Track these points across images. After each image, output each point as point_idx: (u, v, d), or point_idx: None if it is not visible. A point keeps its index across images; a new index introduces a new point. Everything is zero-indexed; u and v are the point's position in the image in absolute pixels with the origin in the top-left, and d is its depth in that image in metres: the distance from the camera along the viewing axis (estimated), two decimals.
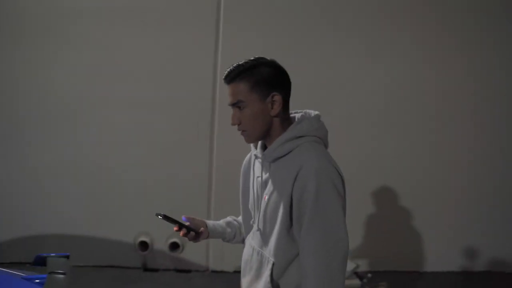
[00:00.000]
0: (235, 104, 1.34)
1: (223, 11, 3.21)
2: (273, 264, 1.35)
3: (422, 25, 3.41)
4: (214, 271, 3.40)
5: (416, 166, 3.51)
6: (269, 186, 1.36)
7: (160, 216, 1.38)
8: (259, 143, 1.45)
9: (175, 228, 1.42)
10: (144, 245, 3.31)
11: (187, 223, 1.44)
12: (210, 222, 1.55)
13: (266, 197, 1.37)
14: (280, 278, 1.36)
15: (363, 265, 3.48)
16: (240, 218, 1.62)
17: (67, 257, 1.59)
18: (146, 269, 3.39)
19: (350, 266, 3.33)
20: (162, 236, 3.29)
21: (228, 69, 1.35)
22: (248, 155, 1.55)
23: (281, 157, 1.34)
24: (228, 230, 1.57)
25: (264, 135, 1.37)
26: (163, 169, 3.31)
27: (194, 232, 1.44)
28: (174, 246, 3.32)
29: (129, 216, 3.26)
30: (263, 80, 1.33)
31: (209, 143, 3.31)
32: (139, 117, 3.26)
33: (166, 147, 3.29)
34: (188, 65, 3.24)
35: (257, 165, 1.45)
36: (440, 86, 3.49)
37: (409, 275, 3.49)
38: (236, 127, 1.37)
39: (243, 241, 1.58)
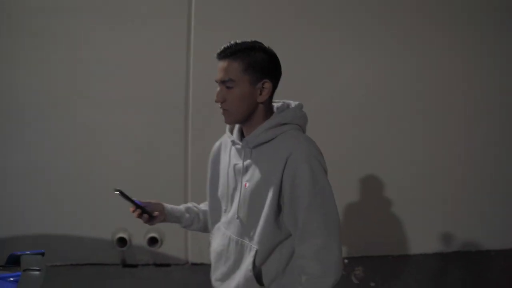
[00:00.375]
0: (225, 82, 1.32)
1: (194, 6, 3.21)
2: (256, 252, 1.34)
3: (407, 19, 3.48)
4: (194, 264, 3.42)
5: (391, 154, 3.60)
6: (251, 173, 1.34)
7: (117, 191, 1.38)
8: (236, 129, 1.44)
9: (131, 209, 1.43)
10: (122, 241, 3.30)
11: (142, 205, 1.44)
12: (168, 206, 1.54)
13: (247, 184, 1.35)
14: (262, 265, 1.36)
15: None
16: (202, 206, 1.61)
17: (42, 254, 1.59)
18: (125, 265, 3.38)
19: None
20: (140, 231, 3.29)
21: (225, 45, 1.33)
22: (218, 143, 1.53)
23: (264, 143, 1.34)
24: (187, 215, 1.56)
25: (244, 119, 1.36)
26: (139, 165, 3.30)
27: (148, 214, 1.44)
28: (153, 241, 3.32)
29: (106, 213, 3.24)
30: (258, 65, 1.32)
31: (184, 139, 3.32)
32: (112, 114, 3.23)
33: (140, 143, 3.28)
34: (160, 61, 3.22)
35: (234, 152, 1.42)
36: (426, 78, 3.56)
37: (384, 259, 3.60)
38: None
39: (204, 230, 1.59)
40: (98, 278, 3.18)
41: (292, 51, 3.29)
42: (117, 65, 3.21)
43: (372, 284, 3.13)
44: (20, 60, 3.13)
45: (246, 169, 1.36)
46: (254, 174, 1.33)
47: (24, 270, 1.47)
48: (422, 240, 3.68)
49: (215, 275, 1.48)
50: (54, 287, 2.72)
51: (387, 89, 3.55)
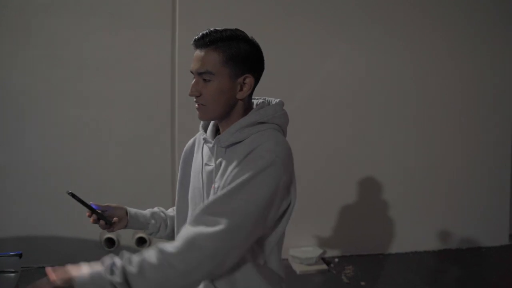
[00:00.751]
0: (201, 74, 1.17)
1: (179, 2, 3.18)
2: None
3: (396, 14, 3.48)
4: None
5: (379, 153, 3.60)
6: (220, 175, 1.19)
7: (69, 193, 1.28)
8: (210, 126, 1.30)
9: (87, 214, 1.31)
10: (110, 242, 3.27)
11: (98, 210, 1.32)
12: (132, 211, 1.40)
13: (216, 185, 1.19)
14: (223, 274, 1.16)
15: (330, 251, 3.56)
16: (170, 211, 1.46)
17: (20, 255, 1.56)
18: None
19: (317, 252, 3.40)
20: (128, 232, 3.26)
21: (203, 32, 1.18)
22: (191, 140, 1.40)
23: (237, 143, 1.19)
24: (152, 221, 1.41)
25: (221, 116, 1.21)
26: (125, 164, 3.27)
27: (105, 220, 1.31)
28: (141, 241, 3.30)
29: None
30: (240, 57, 1.16)
31: (170, 136, 3.29)
32: (97, 112, 3.21)
33: (126, 142, 3.25)
34: (146, 58, 3.20)
35: (206, 151, 1.28)
36: (417, 72, 3.57)
37: (374, 257, 3.59)
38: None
39: (172, 238, 1.40)
40: None
41: (282, 46, 3.29)
42: (101, 63, 3.17)
43: (363, 283, 3.12)
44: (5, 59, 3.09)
45: (217, 169, 1.21)
46: (223, 176, 1.16)
47: (0, 272, 1.45)
48: (413, 238, 3.69)
49: None
50: None
51: (385, 86, 3.55)
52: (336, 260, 3.49)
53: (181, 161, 1.40)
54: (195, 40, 1.19)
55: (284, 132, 1.26)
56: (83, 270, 1.05)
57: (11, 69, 3.08)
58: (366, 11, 3.44)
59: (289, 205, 1.20)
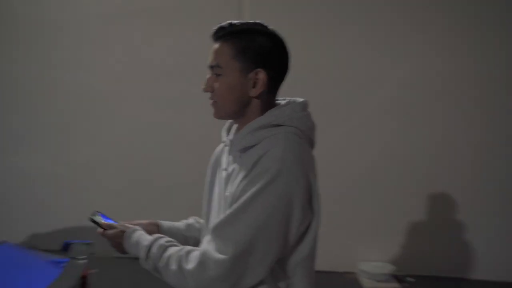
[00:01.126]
0: (213, 68, 1.12)
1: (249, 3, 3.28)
2: None
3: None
4: None
5: (461, 165, 3.31)
6: (231, 182, 1.11)
7: (91, 219, 1.23)
8: (234, 128, 1.22)
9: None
10: None
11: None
12: (165, 225, 1.32)
13: (227, 194, 1.12)
14: None
15: (404, 269, 3.36)
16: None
17: (90, 244, 1.72)
18: None
19: (388, 268, 3.24)
20: None
21: (218, 25, 1.13)
22: (220, 145, 1.31)
23: (251, 147, 1.09)
24: (186, 234, 1.34)
25: (235, 115, 1.14)
26: (194, 165, 3.40)
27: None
28: None
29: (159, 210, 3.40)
30: (252, 50, 1.09)
31: None
32: (164, 115, 3.43)
33: (193, 143, 3.34)
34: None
35: (225, 155, 1.21)
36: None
37: (455, 281, 3.31)
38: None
39: None
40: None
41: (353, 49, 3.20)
42: (167, 66, 3.40)
43: None
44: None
45: (229, 176, 1.13)
46: (233, 184, 1.09)
47: (71, 258, 1.61)
48: (502, 265, 3.32)
49: None
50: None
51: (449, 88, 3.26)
52: (411, 279, 3.28)
53: (209, 165, 1.31)
54: (211, 34, 1.14)
55: (307, 138, 1.13)
56: (135, 234, 1.16)
57: (79, 71, 3.48)
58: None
59: (310, 221, 1.10)
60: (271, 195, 1.00)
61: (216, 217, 1.16)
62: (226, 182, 1.16)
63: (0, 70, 3.60)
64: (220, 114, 1.15)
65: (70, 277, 1.60)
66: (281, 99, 1.19)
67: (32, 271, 1.59)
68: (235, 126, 1.22)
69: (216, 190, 1.22)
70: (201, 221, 1.35)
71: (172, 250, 1.10)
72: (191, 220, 1.40)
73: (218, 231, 1.04)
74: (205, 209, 1.27)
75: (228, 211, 1.04)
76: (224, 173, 1.18)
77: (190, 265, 1.04)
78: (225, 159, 1.21)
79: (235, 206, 1.03)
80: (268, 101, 1.14)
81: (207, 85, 1.13)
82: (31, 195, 3.58)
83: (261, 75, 1.10)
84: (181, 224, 1.37)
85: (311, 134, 1.15)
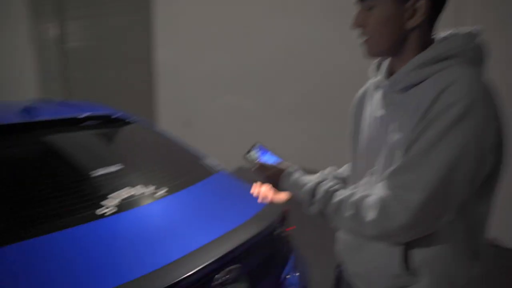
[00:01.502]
0: (362, 1, 1.02)
1: None
2: None
3: None
4: None
5: None
6: (398, 125, 0.99)
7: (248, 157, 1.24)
8: (385, 68, 1.10)
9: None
10: None
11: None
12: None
13: (395, 138, 1.00)
14: (413, 244, 1.00)
15: None
16: (341, 171, 1.32)
17: None
18: None
19: None
20: None
21: None
22: (361, 90, 1.21)
23: (415, 85, 0.98)
24: (340, 177, 1.29)
25: (391, 52, 1.03)
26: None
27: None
28: None
29: None
30: None
31: None
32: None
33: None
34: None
35: (377, 98, 1.10)
36: None
37: None
38: None
39: None
40: None
41: None
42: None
43: None
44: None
45: (390, 118, 1.03)
46: (401, 128, 0.98)
47: None
48: None
49: (351, 269, 1.19)
50: None
51: None
52: None
53: (350, 115, 1.22)
54: None
55: (481, 70, 0.98)
56: (294, 176, 1.16)
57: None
58: None
59: (496, 167, 0.95)
60: (459, 135, 0.88)
61: (375, 163, 1.07)
62: (384, 126, 1.05)
63: None
64: (374, 52, 1.04)
65: (274, 208, 1.75)
66: (440, 33, 1.04)
67: (242, 199, 1.79)
68: (385, 65, 1.10)
69: (368, 136, 1.12)
70: (340, 171, 1.33)
71: (340, 195, 1.05)
72: (328, 169, 1.34)
73: (398, 179, 0.95)
74: (355, 159, 1.19)
75: (406, 157, 0.94)
76: (380, 116, 1.07)
77: (370, 213, 0.97)
78: (374, 102, 1.11)
79: (414, 151, 0.93)
80: (427, 35, 1.01)
81: (357, 20, 1.02)
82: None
83: (422, 3, 0.96)
84: (316, 176, 1.25)
85: (485, 65, 0.99)
